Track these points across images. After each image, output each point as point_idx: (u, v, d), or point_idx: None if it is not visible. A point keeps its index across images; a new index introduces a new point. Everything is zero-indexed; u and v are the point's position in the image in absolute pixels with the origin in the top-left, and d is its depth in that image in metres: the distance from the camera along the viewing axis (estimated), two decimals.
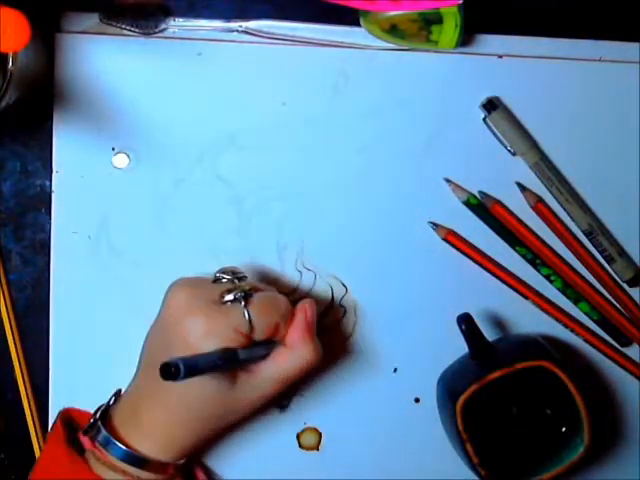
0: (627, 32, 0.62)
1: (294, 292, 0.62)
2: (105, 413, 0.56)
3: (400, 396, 0.63)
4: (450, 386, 0.61)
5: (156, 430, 0.54)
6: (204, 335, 0.52)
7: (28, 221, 0.61)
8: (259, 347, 0.54)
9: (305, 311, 0.56)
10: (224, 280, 0.55)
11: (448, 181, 0.62)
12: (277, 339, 0.55)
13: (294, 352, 0.55)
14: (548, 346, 0.60)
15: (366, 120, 0.62)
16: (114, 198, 0.61)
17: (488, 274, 0.63)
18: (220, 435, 0.60)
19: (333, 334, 0.63)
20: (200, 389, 0.53)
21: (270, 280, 0.62)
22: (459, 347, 0.60)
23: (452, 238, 0.62)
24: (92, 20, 0.60)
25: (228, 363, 0.51)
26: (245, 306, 0.53)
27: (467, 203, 0.62)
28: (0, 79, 0.52)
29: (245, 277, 0.56)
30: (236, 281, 0.55)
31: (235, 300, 0.53)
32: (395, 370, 0.63)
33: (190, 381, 0.49)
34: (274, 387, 0.55)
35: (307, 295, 0.62)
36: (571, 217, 0.63)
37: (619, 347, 0.64)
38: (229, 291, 0.53)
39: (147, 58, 0.60)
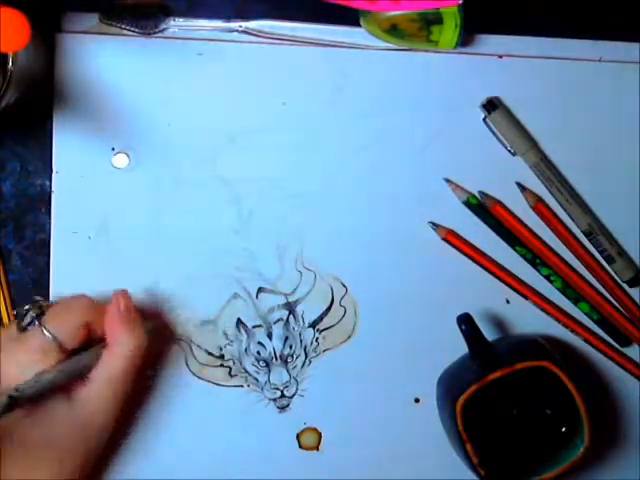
0: (627, 32, 0.62)
1: (294, 292, 0.62)
2: None
3: (400, 396, 0.63)
4: (450, 386, 0.61)
5: None
6: (17, 370, 0.52)
7: (28, 221, 0.61)
8: (83, 354, 0.54)
9: (117, 301, 0.55)
10: (24, 313, 0.55)
11: (448, 181, 0.62)
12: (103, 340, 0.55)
13: (115, 346, 0.54)
14: (548, 346, 0.60)
15: (366, 120, 0.62)
16: (114, 198, 0.61)
17: (488, 274, 0.63)
18: (100, 464, 0.59)
19: (332, 334, 0.63)
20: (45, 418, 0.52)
21: (270, 280, 0.62)
22: (459, 347, 0.60)
23: (452, 238, 0.62)
24: (92, 20, 0.60)
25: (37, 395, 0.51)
26: (40, 324, 0.53)
27: (467, 203, 0.62)
28: (0, 79, 0.52)
29: (44, 301, 0.57)
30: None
31: (32, 323, 0.53)
32: (395, 370, 0.63)
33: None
34: (112, 388, 0.54)
35: (307, 295, 0.62)
36: (571, 217, 0.63)
37: (619, 347, 0.64)
38: (22, 318, 0.54)
39: (147, 58, 0.60)
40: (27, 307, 0.55)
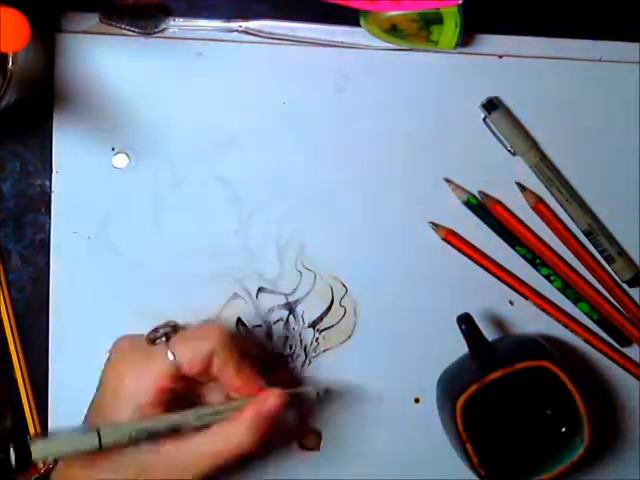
0: (627, 32, 0.62)
1: (294, 292, 0.62)
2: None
3: (400, 396, 0.63)
4: (450, 386, 0.61)
5: None
6: (134, 381, 0.51)
7: (28, 221, 0.61)
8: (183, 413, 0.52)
9: (269, 402, 0.52)
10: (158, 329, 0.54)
11: (448, 181, 0.62)
12: (217, 378, 0.53)
13: (232, 427, 0.51)
14: (548, 346, 0.60)
15: (366, 120, 0.62)
16: (114, 198, 0.61)
17: (488, 274, 0.63)
18: None
19: (332, 334, 0.63)
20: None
21: (270, 280, 0.62)
22: (459, 347, 0.60)
23: (452, 238, 0.62)
24: (92, 20, 0.60)
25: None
26: (167, 342, 0.52)
27: (467, 203, 0.62)
28: (0, 79, 0.52)
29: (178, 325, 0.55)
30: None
31: (160, 339, 0.52)
32: (395, 370, 0.63)
33: None
34: (203, 462, 0.51)
35: (307, 295, 0.62)
36: (571, 217, 0.63)
37: (619, 347, 0.64)
38: (155, 330, 0.53)
39: (147, 58, 0.60)
40: (163, 324, 0.54)
